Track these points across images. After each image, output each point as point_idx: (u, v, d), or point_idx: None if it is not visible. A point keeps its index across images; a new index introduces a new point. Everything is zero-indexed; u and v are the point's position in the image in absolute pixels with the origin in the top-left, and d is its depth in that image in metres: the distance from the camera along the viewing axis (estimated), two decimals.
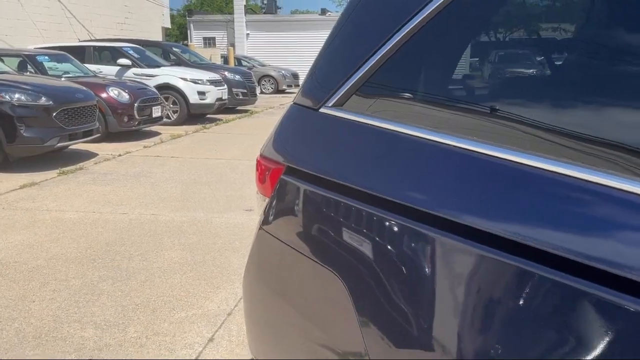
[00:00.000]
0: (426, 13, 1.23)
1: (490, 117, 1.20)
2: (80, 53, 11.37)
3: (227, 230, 4.50)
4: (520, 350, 0.92)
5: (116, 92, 8.95)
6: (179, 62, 13.28)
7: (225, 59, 21.26)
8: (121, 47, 11.71)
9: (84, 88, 7.79)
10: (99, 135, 8.03)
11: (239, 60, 21.66)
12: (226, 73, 13.43)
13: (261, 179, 1.65)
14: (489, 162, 1.06)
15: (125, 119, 8.94)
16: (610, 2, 1.17)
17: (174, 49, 14.25)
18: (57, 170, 6.71)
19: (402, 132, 1.23)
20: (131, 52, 11.63)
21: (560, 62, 1.47)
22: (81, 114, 7.30)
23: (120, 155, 7.90)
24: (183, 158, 7.75)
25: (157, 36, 22.25)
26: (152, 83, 10.69)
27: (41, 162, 7.09)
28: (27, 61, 9.25)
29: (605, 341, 0.81)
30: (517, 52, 1.49)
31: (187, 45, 21.98)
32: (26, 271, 3.61)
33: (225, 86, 12.47)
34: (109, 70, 11.19)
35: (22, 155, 6.82)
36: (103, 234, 4.38)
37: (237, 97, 13.56)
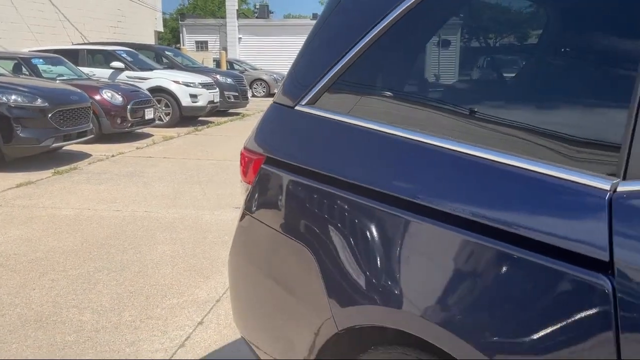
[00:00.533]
0: (384, 24, 1.46)
1: (437, 112, 1.43)
2: (74, 56, 11.55)
3: (217, 226, 4.71)
4: (450, 293, 1.15)
5: (109, 94, 9.14)
6: (172, 66, 13.48)
7: (218, 63, 21.47)
8: (114, 51, 11.89)
9: (79, 90, 7.99)
10: (92, 136, 8.21)
11: (231, 64, 21.88)
12: (218, 76, 13.65)
13: (244, 169, 1.87)
14: (429, 150, 1.29)
15: (118, 121, 9.13)
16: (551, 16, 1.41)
17: (167, 52, 14.44)
18: (52, 170, 6.89)
19: (361, 126, 1.46)
20: (124, 55, 11.82)
21: (505, 63, 1.71)
22: (75, 115, 7.49)
23: (113, 155, 8.09)
24: (175, 159, 7.95)
25: (150, 40, 22.42)
26: (144, 86, 10.88)
27: (36, 162, 7.27)
28: (22, 64, 9.42)
29: (496, 279, 1.04)
30: (463, 56, 1.72)
31: (179, 48, 22.17)
32: (26, 262, 3.81)
33: (217, 89, 12.67)
34: (102, 73, 11.37)
35: (18, 155, 7.00)
36: (98, 229, 4.58)
37: (229, 100, 13.77)
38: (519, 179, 1.09)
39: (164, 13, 27.86)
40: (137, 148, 8.84)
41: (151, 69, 11.97)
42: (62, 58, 10.30)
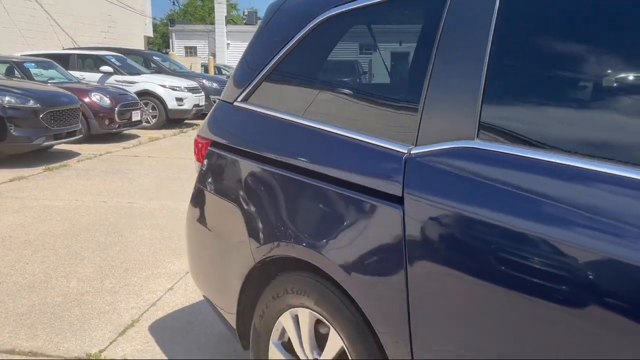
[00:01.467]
0: (287, 48, 2.01)
1: (318, 104, 1.97)
2: (64, 60, 12.05)
3: None
4: (316, 226, 1.70)
5: (98, 97, 9.64)
6: (159, 70, 13.99)
7: (206, 68, 22.01)
8: (104, 55, 12.40)
9: (69, 93, 8.50)
10: (81, 136, 8.72)
11: (218, 69, 22.42)
12: (204, 81, 14.18)
13: (197, 152, 2.41)
14: (309, 130, 1.83)
15: (107, 122, 9.64)
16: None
17: (155, 57, 14.95)
18: (43, 167, 7.39)
19: (274, 116, 2.00)
20: (113, 60, 12.33)
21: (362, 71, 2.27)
22: (65, 116, 8.00)
23: (101, 154, 8.59)
24: (159, 158, 8.47)
25: (140, 45, 22.91)
26: (132, 89, 11.39)
27: (29, 159, 7.76)
28: (15, 67, 9.91)
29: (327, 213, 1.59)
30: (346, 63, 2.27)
31: (168, 53, 22.67)
32: (20, 243, 4.31)
33: (203, 93, 13.20)
34: (92, 77, 11.87)
35: (11, 152, 7.50)
36: (84, 217, 5.09)
37: (214, 104, 14.28)
38: (360, 147, 1.64)
39: (154, 18, 28.34)
40: (124, 148, 9.35)
41: (139, 73, 12.48)
42: (53, 62, 10.79)
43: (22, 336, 2.85)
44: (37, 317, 3.06)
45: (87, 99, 9.48)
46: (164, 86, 12.05)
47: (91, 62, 12.59)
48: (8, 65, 10.11)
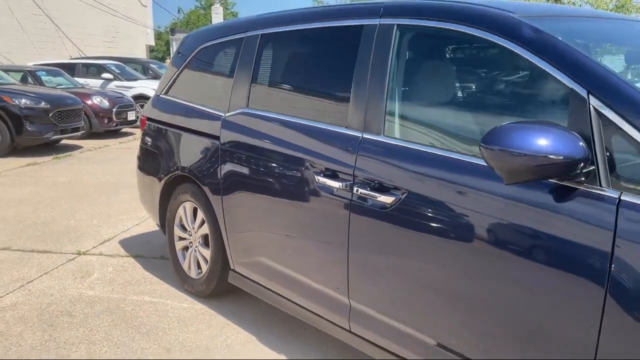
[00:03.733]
0: (187, 61, 3.68)
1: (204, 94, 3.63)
2: (71, 68, 13.80)
3: None
4: (194, 158, 3.39)
5: (98, 99, 11.36)
6: (156, 76, 15.70)
7: None
8: (105, 64, 14.14)
9: (73, 95, 10.22)
10: (84, 132, 10.44)
11: None
12: None
13: (141, 124, 4.07)
14: (186, 106, 3.50)
15: (106, 121, 11.35)
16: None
17: (152, 65, 16.70)
18: (52, 156, 9.10)
19: (180, 102, 3.67)
20: (113, 67, 14.07)
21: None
22: (71, 115, 9.72)
23: (100, 147, 10.30)
24: None
25: (142, 53, 24.72)
26: (129, 93, 13.11)
27: (40, 150, 9.48)
28: (28, 75, 11.67)
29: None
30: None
31: (166, 61, 24.47)
32: (35, 202, 6.00)
33: None
34: (94, 83, 13.60)
35: (26, 144, 9.23)
36: (83, 187, 6.77)
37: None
38: (205, 113, 3.29)
39: (158, 27, 30.11)
40: (120, 142, 11.06)
41: (136, 79, 14.21)
42: (61, 70, 12.54)
43: (38, 245, 4.52)
44: (47, 236, 4.74)
45: (89, 102, 11.19)
46: None
47: (94, 69, 14.33)
48: (22, 73, 11.87)
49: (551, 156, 1.60)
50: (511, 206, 1.81)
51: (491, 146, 1.67)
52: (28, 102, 9.03)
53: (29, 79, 11.67)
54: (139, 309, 3.35)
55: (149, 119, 3.95)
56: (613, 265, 1.57)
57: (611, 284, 1.57)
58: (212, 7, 28.77)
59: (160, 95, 3.93)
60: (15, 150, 9.13)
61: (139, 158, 4.08)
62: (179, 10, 50.31)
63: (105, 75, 13.63)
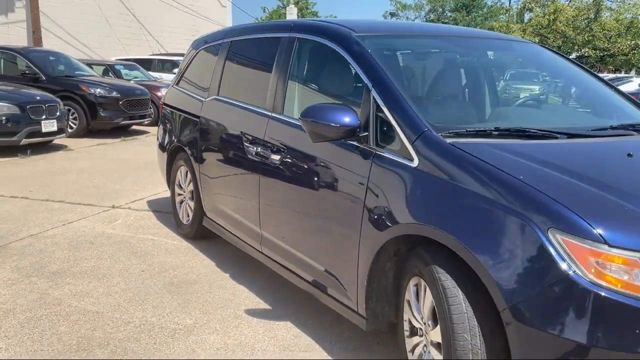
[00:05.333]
0: (193, 56, 4.83)
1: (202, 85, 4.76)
2: (148, 64, 15.52)
3: None
4: (181, 134, 4.54)
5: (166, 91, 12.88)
6: None
7: None
8: (177, 60, 15.75)
9: (143, 87, 11.76)
10: (151, 119, 11.96)
11: None
12: None
13: (160, 109, 5.26)
14: (188, 95, 4.64)
15: None
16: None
17: None
18: (120, 139, 10.63)
19: (186, 93, 4.83)
20: None
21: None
22: (139, 104, 11.23)
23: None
24: None
25: None
26: None
27: (112, 133, 11.06)
28: (109, 69, 13.39)
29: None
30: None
31: None
32: (93, 171, 7.39)
33: None
34: (167, 77, 15.22)
35: (99, 127, 10.83)
36: (137, 163, 8.13)
37: None
38: (193, 98, 4.40)
39: None
40: None
41: None
42: (137, 65, 14.23)
43: (85, 200, 5.83)
44: (94, 195, 6.05)
45: (158, 93, 12.71)
46: None
47: (169, 65, 15.99)
48: (104, 67, 13.62)
49: (338, 125, 2.57)
50: (319, 154, 2.80)
51: (304, 118, 2.65)
52: (102, 92, 10.60)
53: (110, 73, 13.39)
54: (141, 243, 4.52)
55: (164, 104, 5.13)
56: (368, 190, 2.52)
57: (367, 200, 2.52)
58: (287, 8, 30.22)
59: (173, 86, 5.09)
60: (90, 132, 10.75)
61: (157, 136, 5.27)
62: (263, 9, 52.42)
63: (176, 70, 15.20)
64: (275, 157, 3.20)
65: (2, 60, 11.19)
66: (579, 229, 1.82)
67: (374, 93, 2.64)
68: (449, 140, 2.31)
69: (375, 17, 61.47)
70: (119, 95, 10.76)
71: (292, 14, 29.20)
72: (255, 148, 3.42)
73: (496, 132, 2.46)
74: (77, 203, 5.71)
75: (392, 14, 51.46)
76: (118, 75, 13.37)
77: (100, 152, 9.03)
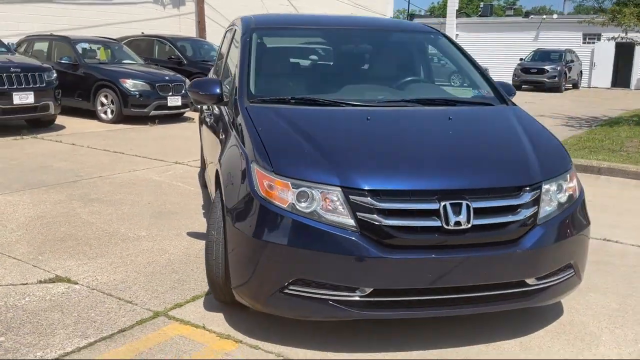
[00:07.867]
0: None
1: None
2: None
3: None
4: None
5: None
6: None
7: None
8: None
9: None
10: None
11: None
12: None
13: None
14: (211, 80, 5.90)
15: None
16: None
17: None
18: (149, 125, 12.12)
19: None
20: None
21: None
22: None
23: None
24: None
25: None
26: None
27: (142, 120, 10.81)
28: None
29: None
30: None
31: None
32: (114, 146, 9.03)
33: None
34: None
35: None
36: (170, 144, 9.66)
37: None
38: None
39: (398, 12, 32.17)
40: None
41: None
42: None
43: (160, 158, 7.40)
44: (171, 155, 7.61)
45: None
46: None
47: None
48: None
49: (207, 93, 3.61)
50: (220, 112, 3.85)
51: (190, 88, 3.73)
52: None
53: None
54: (170, 188, 5.91)
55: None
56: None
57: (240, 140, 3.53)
58: None
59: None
60: (124, 118, 10.68)
61: (199, 120, 6.60)
62: None
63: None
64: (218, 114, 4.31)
65: (156, 46, 13.59)
66: (263, 162, 2.70)
67: (236, 71, 3.63)
68: (247, 104, 3.24)
69: None
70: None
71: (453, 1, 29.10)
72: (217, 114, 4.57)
73: (293, 100, 3.31)
74: (154, 159, 7.33)
75: None
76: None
77: (133, 134, 9.57)
